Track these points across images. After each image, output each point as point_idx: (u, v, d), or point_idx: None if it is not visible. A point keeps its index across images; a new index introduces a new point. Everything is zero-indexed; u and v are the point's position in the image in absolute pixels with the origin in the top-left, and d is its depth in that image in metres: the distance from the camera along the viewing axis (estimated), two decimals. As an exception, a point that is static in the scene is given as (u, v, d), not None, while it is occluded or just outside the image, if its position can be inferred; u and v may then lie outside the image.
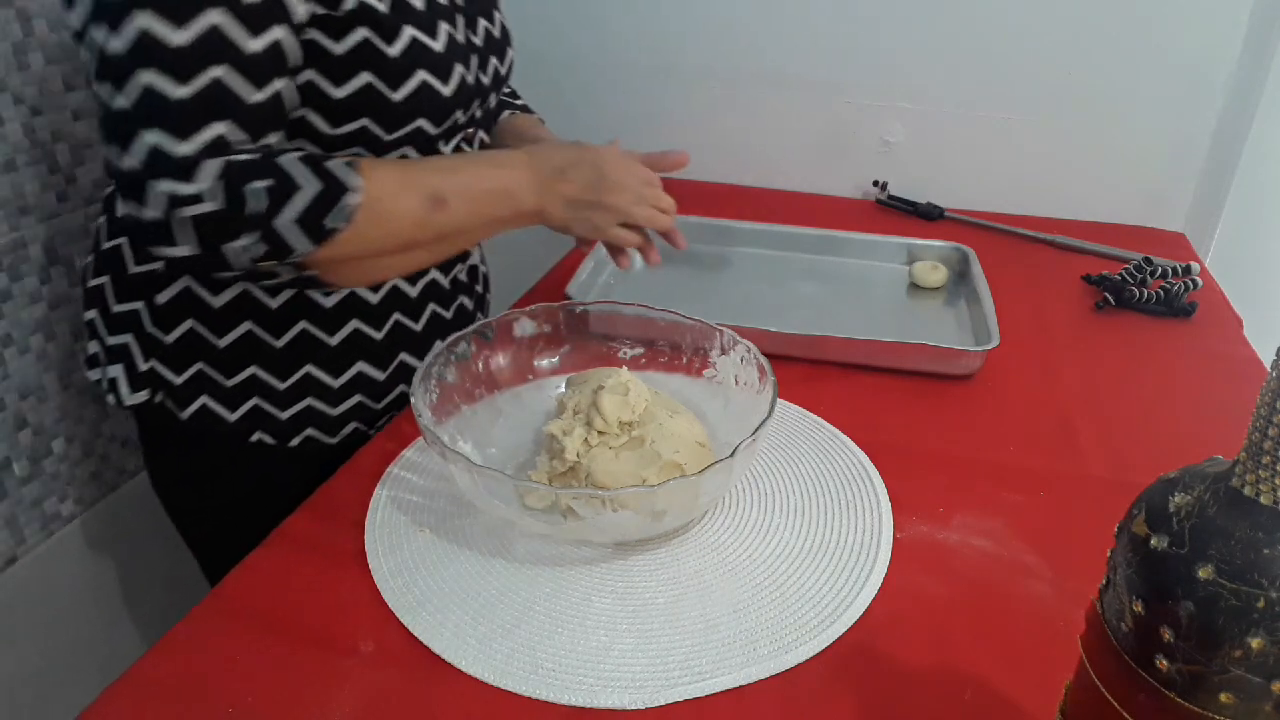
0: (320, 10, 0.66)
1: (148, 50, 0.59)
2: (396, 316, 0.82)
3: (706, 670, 0.56)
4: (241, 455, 0.81)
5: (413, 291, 0.83)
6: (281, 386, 0.79)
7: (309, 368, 0.79)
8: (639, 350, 0.81)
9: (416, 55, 0.71)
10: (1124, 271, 1.10)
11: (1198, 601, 0.36)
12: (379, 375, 0.83)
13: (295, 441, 0.81)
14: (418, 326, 0.84)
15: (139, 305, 0.76)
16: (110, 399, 0.79)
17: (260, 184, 0.62)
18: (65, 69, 1.01)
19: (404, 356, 0.84)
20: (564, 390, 0.79)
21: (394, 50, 0.70)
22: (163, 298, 0.75)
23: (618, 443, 0.68)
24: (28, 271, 1.01)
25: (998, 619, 0.61)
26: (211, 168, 0.61)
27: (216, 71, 0.61)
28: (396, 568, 0.63)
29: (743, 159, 1.40)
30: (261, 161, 0.63)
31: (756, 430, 0.62)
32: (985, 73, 1.27)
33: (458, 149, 0.82)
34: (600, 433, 0.68)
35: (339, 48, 0.68)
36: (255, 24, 0.62)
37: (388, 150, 0.74)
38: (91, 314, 0.80)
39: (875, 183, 1.37)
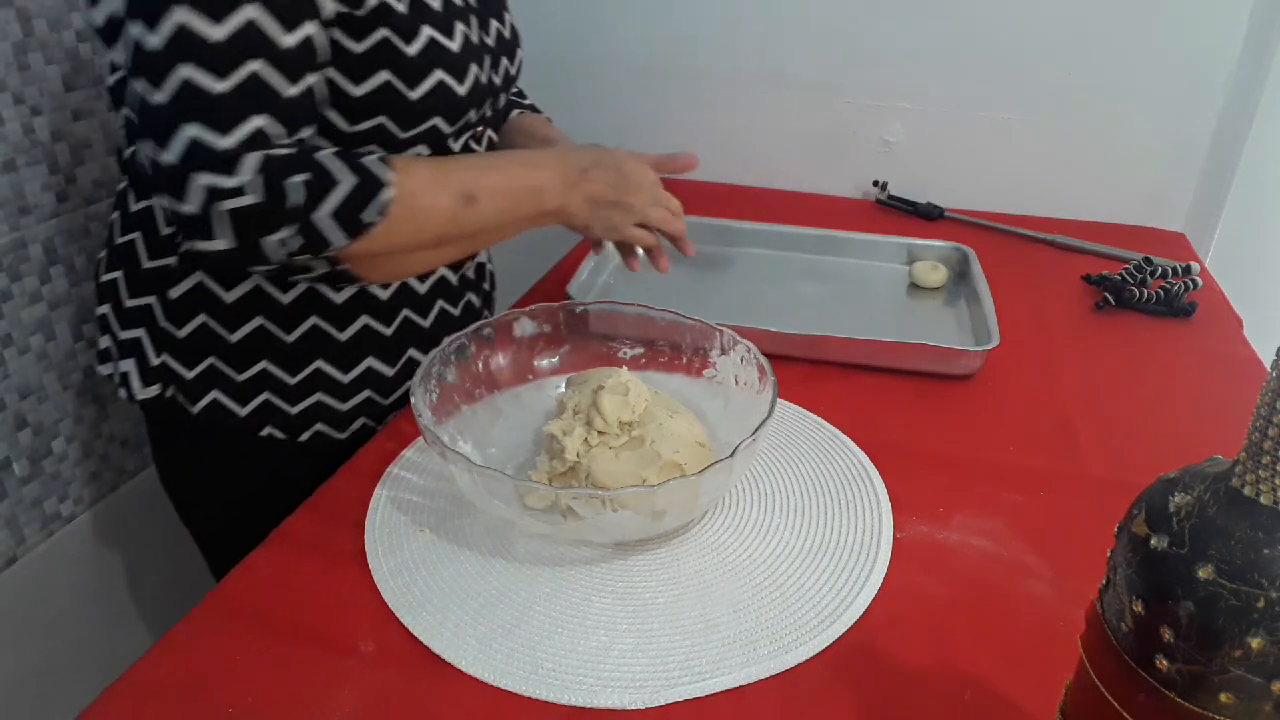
0: (344, 9, 0.67)
1: (186, 45, 0.60)
2: (406, 312, 0.83)
3: (706, 670, 0.56)
4: (251, 450, 0.81)
5: (422, 288, 0.84)
6: (292, 381, 0.79)
7: (319, 363, 0.80)
8: (639, 350, 0.81)
9: (434, 55, 0.72)
10: (1124, 271, 1.10)
11: (1198, 601, 0.36)
12: (388, 371, 0.83)
13: (305, 436, 0.82)
14: (426, 323, 0.85)
15: (152, 300, 0.77)
16: (122, 393, 0.80)
17: (299, 178, 0.63)
18: (65, 69, 1.01)
19: (412, 352, 0.85)
20: (564, 390, 0.79)
21: (412, 50, 0.71)
22: (175, 292, 0.76)
23: (618, 443, 0.68)
24: (28, 271, 1.01)
25: (998, 619, 0.61)
26: (252, 161, 0.61)
27: (254, 66, 0.62)
28: (396, 568, 0.63)
29: (743, 159, 1.40)
30: (299, 156, 0.64)
31: (756, 430, 0.62)
32: (985, 73, 1.27)
33: (466, 147, 0.83)
34: (600, 433, 0.68)
35: (359, 47, 0.69)
36: (289, 19, 0.63)
37: (403, 148, 0.75)
38: (104, 309, 0.80)
39: (875, 183, 1.37)
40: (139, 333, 0.78)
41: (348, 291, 0.79)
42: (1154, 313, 1.04)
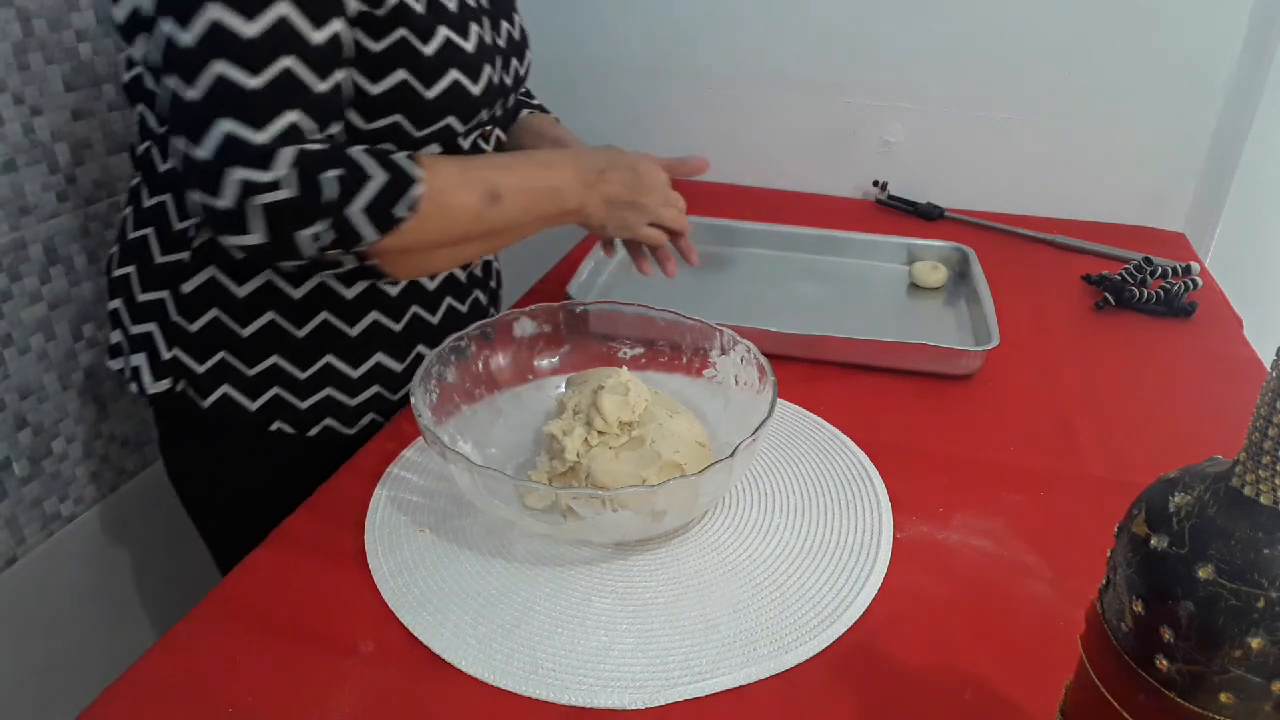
0: (365, 8, 0.68)
1: (219, 42, 0.60)
2: (415, 309, 0.84)
3: (706, 670, 0.56)
4: (260, 445, 0.82)
5: (431, 285, 0.85)
6: (302, 376, 0.80)
7: (329, 358, 0.80)
8: (639, 350, 0.81)
9: (450, 55, 0.73)
10: (1124, 271, 1.10)
11: (1198, 601, 0.36)
12: (397, 367, 0.84)
13: (314, 431, 0.82)
14: (435, 319, 0.86)
15: (164, 294, 0.77)
16: (132, 388, 0.80)
17: (333, 173, 0.64)
18: (65, 69, 1.01)
19: (421, 348, 0.85)
20: (564, 390, 0.79)
21: (429, 50, 0.72)
22: (188, 287, 0.76)
23: (618, 443, 0.68)
24: (28, 271, 1.01)
25: (998, 619, 0.61)
26: (287, 155, 0.62)
27: (286, 62, 0.62)
28: (396, 568, 0.63)
29: (743, 159, 1.40)
30: (333, 151, 0.65)
31: (756, 430, 0.62)
32: (985, 73, 1.27)
33: (475, 146, 0.83)
34: (600, 433, 0.68)
35: (377, 46, 0.70)
36: (318, 16, 0.64)
37: (416, 146, 0.76)
38: (115, 303, 0.81)
39: (875, 183, 1.37)
40: (151, 327, 0.78)
41: (358, 287, 0.79)
42: (1154, 313, 1.04)
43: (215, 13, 0.60)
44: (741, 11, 1.31)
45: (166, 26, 0.61)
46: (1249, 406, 0.36)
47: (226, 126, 0.61)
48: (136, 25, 0.69)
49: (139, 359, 0.79)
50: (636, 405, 0.69)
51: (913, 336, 0.88)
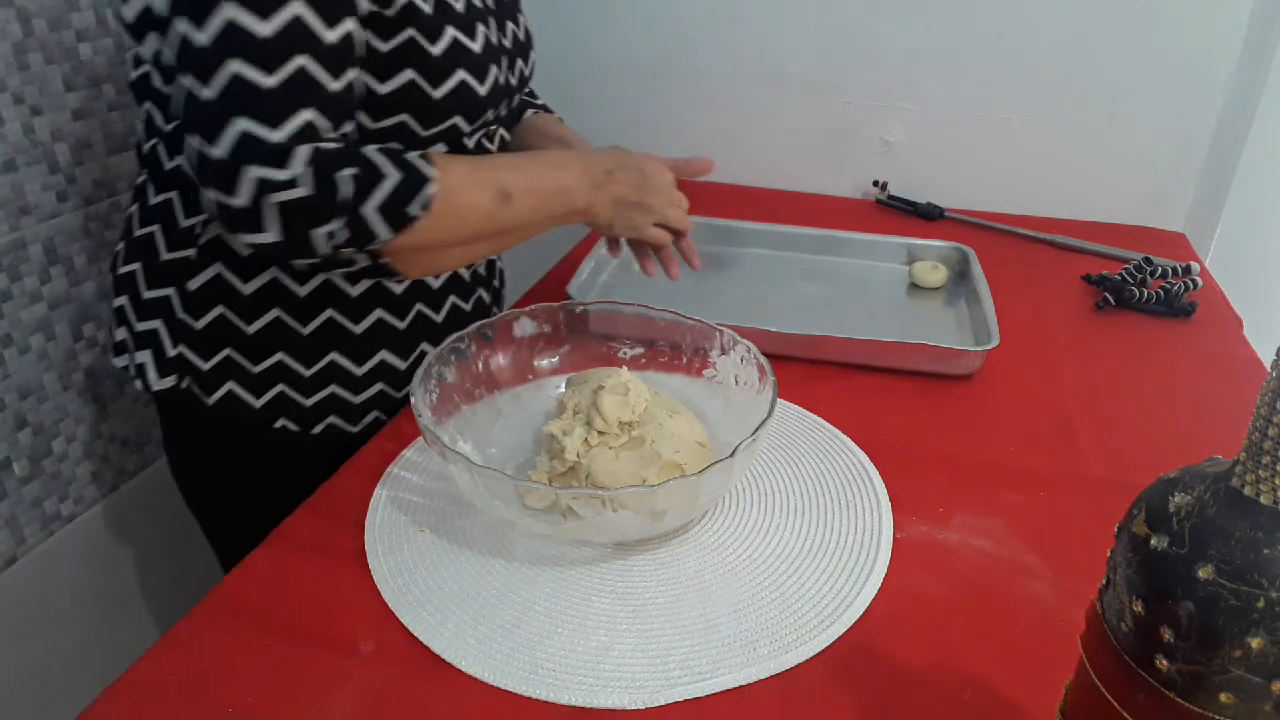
0: (374, 8, 0.68)
1: (235, 41, 0.61)
2: (419, 307, 0.84)
3: (706, 670, 0.56)
4: (265, 442, 0.82)
5: (435, 283, 0.85)
6: (307, 373, 0.80)
7: (334, 355, 0.80)
8: (639, 350, 0.81)
9: (457, 55, 0.74)
10: (1124, 271, 1.10)
11: (1198, 601, 0.36)
12: (400, 364, 0.84)
13: (318, 429, 0.83)
14: (439, 317, 0.86)
15: (170, 291, 0.77)
16: (137, 384, 0.80)
17: (348, 171, 0.64)
18: (65, 69, 1.01)
19: (425, 346, 0.85)
20: (564, 390, 0.79)
21: (437, 50, 0.72)
22: (194, 284, 0.77)
23: (618, 443, 0.68)
24: (28, 271, 1.01)
25: (998, 619, 0.61)
26: (303, 154, 0.62)
27: (301, 60, 0.63)
28: (396, 568, 0.63)
29: (743, 159, 1.40)
30: (347, 150, 0.65)
31: (756, 430, 0.62)
32: (985, 73, 1.27)
33: (480, 145, 0.84)
34: (600, 433, 0.68)
35: (385, 46, 0.70)
36: (331, 16, 0.64)
37: (423, 145, 0.76)
38: (121, 300, 0.81)
39: (875, 183, 1.37)
40: (156, 324, 0.78)
41: (363, 285, 0.80)
42: (1154, 313, 1.04)
43: (230, 12, 0.60)
44: (741, 11, 1.31)
45: (181, 26, 0.62)
46: (1249, 406, 0.36)
47: (242, 125, 0.61)
48: (147, 24, 0.69)
49: (144, 356, 0.79)
50: (636, 405, 0.69)
51: (913, 336, 0.88)
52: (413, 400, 0.65)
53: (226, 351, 0.78)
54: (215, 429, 0.82)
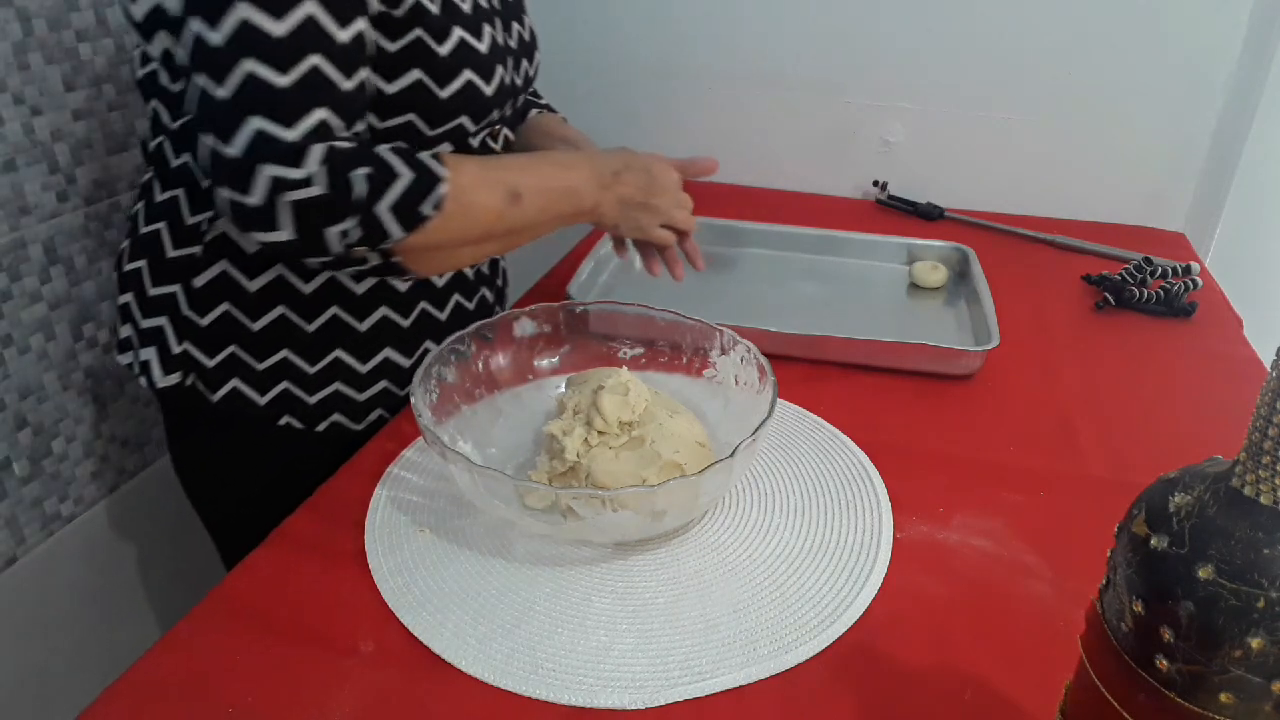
0: (383, 8, 0.69)
1: (249, 41, 0.61)
2: (423, 305, 0.84)
3: (706, 670, 0.56)
4: (269, 440, 0.82)
5: (439, 282, 0.85)
6: (311, 370, 0.80)
7: (338, 352, 0.81)
8: (639, 350, 0.81)
9: (464, 55, 0.74)
10: (1124, 271, 1.10)
11: (1198, 601, 0.36)
12: (405, 362, 0.85)
13: (322, 427, 0.83)
14: (443, 316, 0.86)
15: (175, 288, 0.78)
16: (142, 382, 0.81)
17: (362, 171, 0.64)
18: (65, 69, 1.01)
19: (428, 344, 0.86)
20: (564, 390, 0.79)
21: (444, 50, 0.73)
22: (200, 281, 0.77)
23: (618, 443, 0.68)
24: (28, 271, 1.01)
25: (998, 619, 0.61)
26: (317, 152, 0.63)
27: (314, 60, 0.63)
28: (396, 568, 0.63)
29: (743, 159, 1.40)
30: (360, 150, 0.66)
31: (756, 430, 0.62)
32: (985, 73, 1.27)
33: (484, 144, 0.84)
34: (600, 433, 0.68)
35: (393, 46, 0.71)
36: (343, 15, 0.65)
37: (429, 144, 0.77)
38: (126, 298, 0.81)
39: (875, 183, 1.37)
40: (161, 321, 0.79)
41: (368, 283, 0.80)
42: (1154, 313, 1.04)
43: (244, 12, 0.61)
44: (742, 12, 1.31)
45: (195, 25, 0.62)
46: (1249, 406, 0.36)
47: (257, 124, 0.61)
48: (156, 23, 0.69)
49: (149, 353, 0.79)
50: (636, 405, 0.69)
51: (913, 336, 0.88)
52: (413, 400, 0.65)
53: (231, 348, 0.78)
54: (219, 426, 0.83)
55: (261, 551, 0.65)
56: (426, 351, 0.86)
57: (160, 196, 0.78)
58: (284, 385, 0.80)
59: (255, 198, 0.62)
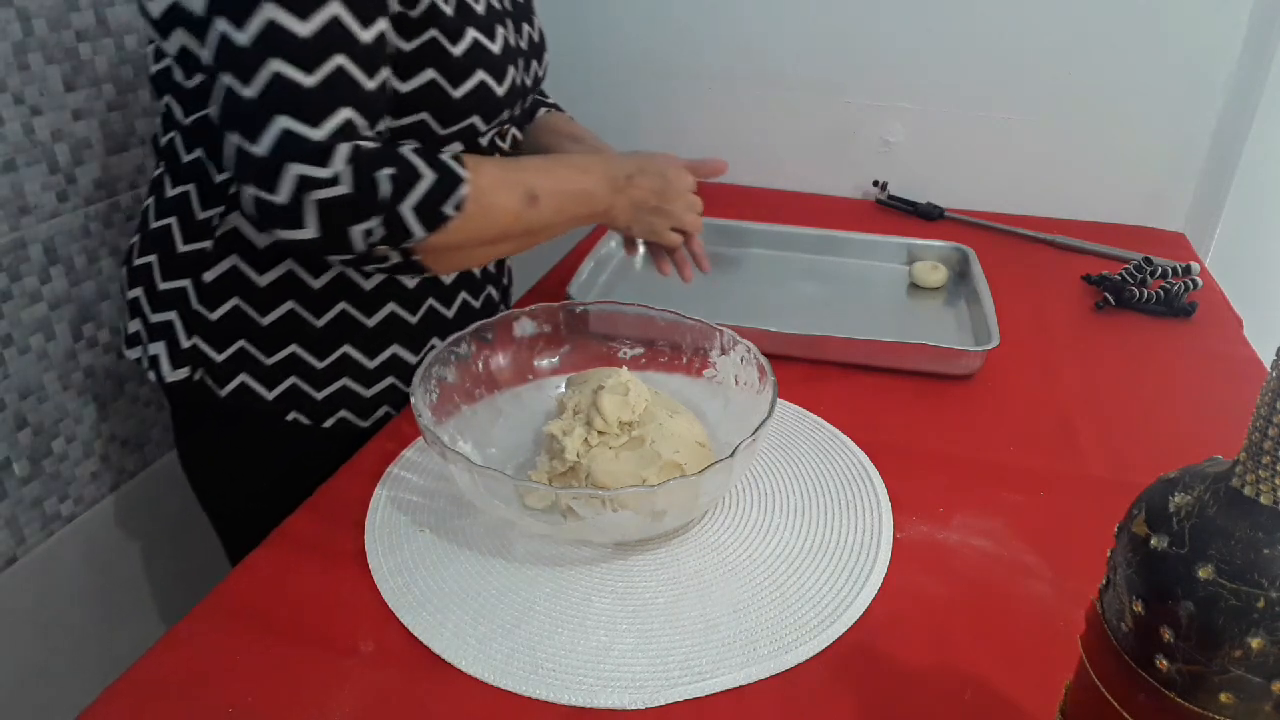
0: (400, 9, 0.69)
1: (275, 41, 0.61)
2: (431, 302, 0.85)
3: (706, 670, 0.56)
4: (276, 435, 0.83)
5: (447, 279, 0.86)
6: (319, 366, 0.81)
7: (346, 348, 0.81)
8: (639, 350, 0.81)
9: (477, 56, 0.75)
10: (1124, 271, 1.10)
11: (1198, 601, 0.36)
12: (411, 358, 0.85)
13: (329, 423, 0.83)
14: (450, 313, 0.87)
15: (185, 283, 0.78)
16: (151, 376, 0.81)
17: (387, 171, 0.65)
18: (65, 69, 1.01)
19: (435, 341, 0.86)
20: (564, 390, 0.79)
21: (458, 50, 0.73)
22: (210, 276, 0.77)
23: (618, 443, 0.68)
24: (28, 271, 1.01)
25: (998, 619, 0.61)
26: (343, 152, 0.63)
27: (339, 60, 0.64)
28: (396, 568, 0.63)
29: (743, 159, 1.40)
30: (385, 150, 0.66)
31: (756, 430, 0.62)
32: (985, 73, 1.27)
33: (493, 143, 0.85)
34: (600, 433, 0.68)
35: (408, 45, 0.71)
36: (366, 15, 0.65)
37: (440, 144, 0.77)
38: (135, 292, 0.82)
39: (875, 183, 1.37)
40: (171, 315, 0.79)
41: (376, 279, 0.80)
42: (1154, 313, 1.04)
43: (270, 12, 0.61)
44: (742, 11, 1.31)
45: (221, 25, 0.62)
46: (1249, 406, 0.36)
47: (283, 123, 0.62)
48: (174, 20, 0.69)
49: (157, 347, 0.80)
50: (636, 405, 0.69)
51: (913, 336, 0.88)
52: (413, 400, 0.65)
53: (240, 343, 0.79)
54: (227, 422, 0.83)
55: (261, 551, 0.65)
56: (433, 348, 0.86)
57: (171, 192, 0.78)
58: (292, 380, 0.80)
59: (282, 196, 0.63)
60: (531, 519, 0.65)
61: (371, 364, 0.83)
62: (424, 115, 0.74)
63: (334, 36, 0.63)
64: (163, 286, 0.79)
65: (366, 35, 0.65)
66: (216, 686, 0.54)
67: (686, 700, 0.54)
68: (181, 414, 0.88)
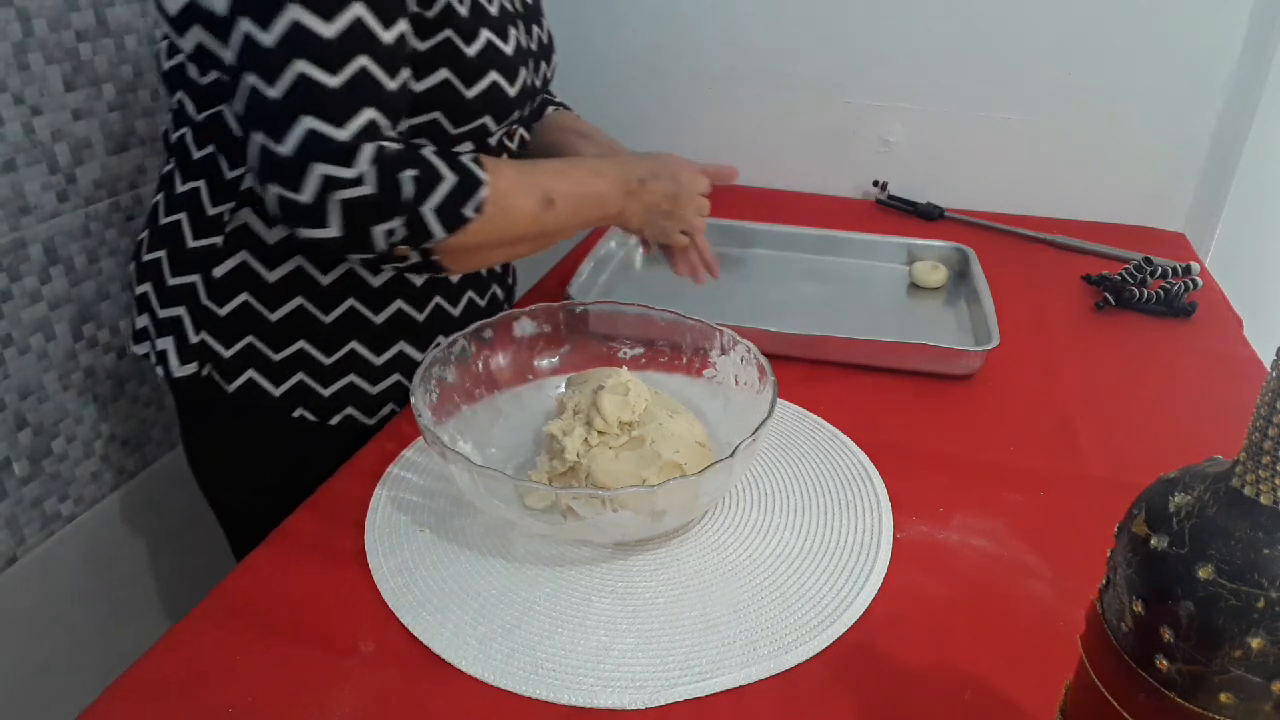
0: (417, 10, 0.70)
1: (300, 42, 0.62)
2: (438, 299, 0.85)
3: (706, 670, 0.56)
4: (282, 432, 0.83)
5: (454, 277, 0.86)
6: (327, 362, 0.81)
7: (354, 344, 0.82)
8: (639, 350, 0.81)
9: (491, 57, 0.76)
10: (1124, 271, 1.10)
11: (1198, 601, 0.36)
12: (417, 356, 0.86)
13: (335, 420, 0.83)
14: (456, 311, 0.88)
15: (195, 278, 0.78)
16: (158, 371, 0.81)
17: (410, 172, 0.66)
18: (65, 69, 1.01)
19: (441, 339, 0.86)
20: (564, 390, 0.79)
21: (471, 51, 0.74)
22: (219, 271, 0.78)
23: (618, 443, 0.68)
24: (28, 271, 1.01)
25: (998, 619, 0.61)
26: (368, 152, 0.64)
27: (362, 61, 0.64)
28: (396, 568, 0.63)
29: (743, 159, 1.38)
30: (408, 151, 0.67)
31: (756, 430, 0.62)
32: (985, 73, 1.27)
33: (501, 143, 0.85)
34: (600, 433, 0.68)
35: (423, 46, 0.72)
36: (387, 16, 0.66)
37: (451, 143, 0.78)
38: (144, 287, 0.82)
39: (875, 183, 1.37)
40: (180, 311, 0.79)
41: (385, 275, 0.81)
42: (1154, 313, 1.04)
43: (295, 14, 0.61)
44: (742, 11, 1.31)
45: (245, 26, 0.63)
46: (1249, 406, 0.36)
47: (309, 124, 0.62)
48: (192, 17, 0.70)
49: (166, 343, 0.80)
50: (636, 405, 0.69)
51: (913, 336, 0.88)
52: (413, 400, 0.65)
53: (249, 339, 0.79)
54: (233, 417, 0.83)
55: (261, 551, 0.65)
56: (439, 346, 0.87)
57: (181, 188, 0.79)
58: (299, 377, 0.81)
59: (306, 195, 0.63)
60: (531, 519, 0.65)
61: (378, 360, 0.83)
62: (436, 114, 0.75)
63: (357, 37, 0.64)
64: (172, 282, 0.79)
65: (388, 36, 0.66)
66: (216, 686, 0.54)
67: (686, 700, 0.54)
68: (188, 409, 0.88)
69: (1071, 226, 1.28)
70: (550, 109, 1.02)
